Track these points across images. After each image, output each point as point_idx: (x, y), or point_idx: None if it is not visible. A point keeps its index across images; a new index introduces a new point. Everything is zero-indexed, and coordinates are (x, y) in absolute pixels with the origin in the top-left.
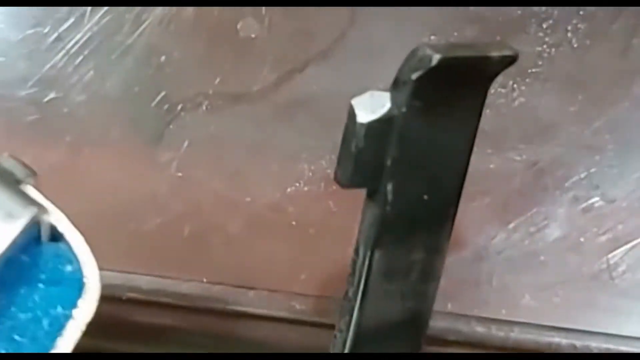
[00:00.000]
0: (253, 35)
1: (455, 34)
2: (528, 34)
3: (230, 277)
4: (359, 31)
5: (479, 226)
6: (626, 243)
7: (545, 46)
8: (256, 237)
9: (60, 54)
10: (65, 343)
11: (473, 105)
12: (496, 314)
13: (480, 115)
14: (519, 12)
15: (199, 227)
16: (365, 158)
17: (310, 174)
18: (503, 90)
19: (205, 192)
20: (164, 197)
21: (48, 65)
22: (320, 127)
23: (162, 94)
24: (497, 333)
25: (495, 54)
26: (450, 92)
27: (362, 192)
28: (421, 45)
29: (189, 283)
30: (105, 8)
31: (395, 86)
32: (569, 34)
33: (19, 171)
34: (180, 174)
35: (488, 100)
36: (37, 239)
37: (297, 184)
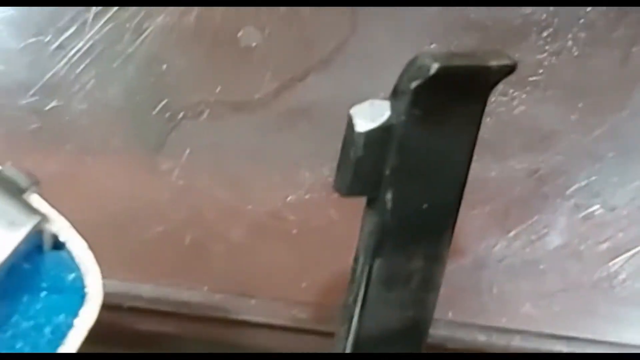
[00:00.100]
0: (254, 44)
1: (456, 42)
2: (528, 42)
3: (231, 285)
4: (360, 39)
5: (480, 234)
6: (626, 251)
7: (545, 54)
8: (257, 245)
9: (62, 63)
10: (67, 351)
11: (473, 114)
12: (497, 322)
13: (480, 124)
14: (520, 20)
15: (200, 235)
16: (364, 167)
17: (311, 182)
18: (503, 99)
19: (207, 200)
20: (165, 205)
21: (49, 74)
22: (321, 135)
23: (164, 102)
24: (498, 341)
25: (494, 63)
26: (450, 100)
27: (363, 200)
28: (420, 54)
29: (190, 291)
30: (107, 16)
31: (394, 95)
32: (570, 42)
33: (22, 180)
34: (181, 182)
35: (488, 109)
36: (39, 248)
37: (298, 192)
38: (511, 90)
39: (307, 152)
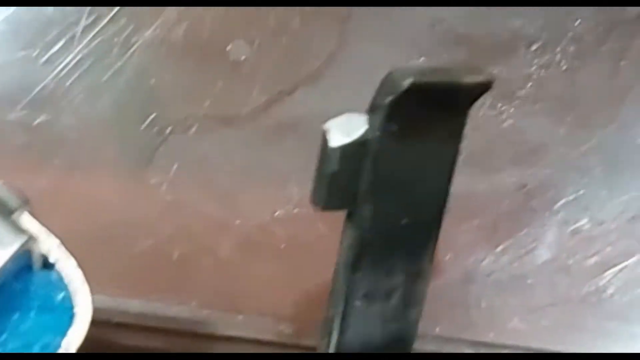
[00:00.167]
0: (242, 58)
1: (445, 56)
2: (517, 56)
3: (219, 300)
4: (348, 53)
5: (468, 248)
6: (614, 265)
7: (534, 68)
8: (245, 260)
9: (50, 77)
10: None
11: (452, 129)
12: (485, 337)
13: (461, 139)
14: (509, 34)
15: (188, 250)
16: (340, 181)
17: (300, 196)
18: (492, 112)
19: (195, 214)
20: (153, 220)
21: (38, 88)
22: (310, 149)
23: (152, 116)
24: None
25: (469, 80)
26: (427, 116)
27: None
28: (395, 70)
29: (178, 306)
30: (95, 30)
31: (371, 110)
32: (558, 56)
33: (12, 200)
34: (169, 197)
35: (477, 122)
36: (29, 267)
37: (287, 207)
38: (500, 104)
39: (296, 167)
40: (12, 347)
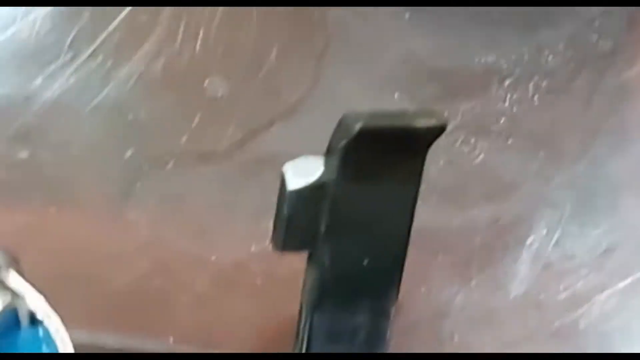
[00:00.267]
0: (219, 94)
1: (419, 91)
2: (490, 91)
3: (196, 336)
4: (324, 89)
5: (441, 283)
6: (587, 300)
7: (507, 103)
8: (222, 296)
9: (30, 113)
10: None
11: (410, 172)
12: None
13: (420, 180)
14: (482, 69)
15: (165, 285)
16: (298, 223)
17: None
18: (465, 148)
19: (172, 250)
20: (131, 256)
21: (16, 124)
22: None
23: (130, 152)
24: None
25: (420, 124)
26: (382, 159)
27: None
28: (347, 114)
29: (155, 343)
30: (75, 66)
31: (327, 152)
32: (531, 91)
33: None
34: (146, 232)
35: (450, 157)
36: (16, 324)
37: (263, 243)
38: (473, 139)
39: (272, 203)
40: None
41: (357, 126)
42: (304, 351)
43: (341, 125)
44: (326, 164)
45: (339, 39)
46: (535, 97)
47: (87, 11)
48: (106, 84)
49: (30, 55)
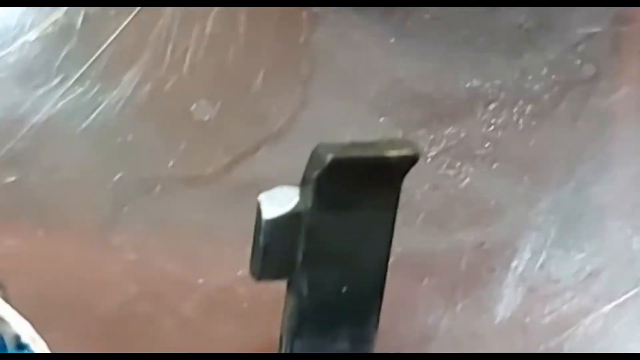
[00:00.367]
0: (206, 118)
1: (404, 115)
2: (475, 115)
3: None
4: (310, 113)
5: (427, 307)
6: (572, 324)
7: (492, 128)
8: (208, 320)
9: (17, 137)
10: None
11: (386, 201)
12: None
13: (396, 209)
14: (466, 94)
15: (152, 309)
16: (275, 252)
17: None
18: (451, 172)
19: (159, 274)
20: (117, 280)
21: (5, 149)
22: None
23: (118, 176)
24: None
25: (392, 154)
26: (356, 189)
27: None
28: (320, 145)
29: None
30: (62, 91)
31: (302, 182)
32: (515, 116)
33: None
34: (133, 257)
35: (435, 182)
36: (3, 348)
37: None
38: (458, 164)
39: None
40: None
41: (329, 157)
42: None
43: (314, 156)
44: (301, 194)
45: (325, 63)
46: (520, 122)
47: (75, 35)
48: (94, 108)
49: (18, 79)
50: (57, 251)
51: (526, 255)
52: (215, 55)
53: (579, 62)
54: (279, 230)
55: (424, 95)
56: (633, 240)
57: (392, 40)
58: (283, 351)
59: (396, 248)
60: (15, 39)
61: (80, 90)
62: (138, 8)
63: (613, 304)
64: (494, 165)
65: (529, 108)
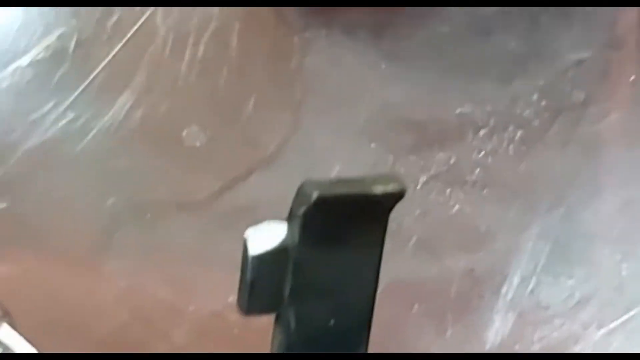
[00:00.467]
0: (197, 144)
1: (395, 141)
2: (465, 141)
3: None
4: (301, 139)
5: (417, 333)
6: (561, 350)
7: (482, 154)
8: (199, 346)
9: (10, 163)
10: None
11: (372, 235)
12: None
13: (382, 243)
14: (457, 120)
15: (143, 335)
16: (262, 287)
17: None
18: (441, 198)
19: (150, 300)
20: (109, 306)
21: None
22: None
23: (109, 201)
24: None
25: (378, 191)
26: (343, 225)
27: None
28: (306, 182)
29: None
30: (55, 116)
31: (289, 218)
32: (505, 142)
33: None
34: (125, 283)
35: (426, 208)
36: None
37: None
38: (448, 190)
39: None
40: None
41: (315, 194)
42: None
43: (300, 193)
44: (288, 229)
45: (316, 88)
46: (510, 147)
47: (67, 61)
48: (86, 134)
49: (11, 105)
50: (48, 278)
51: (516, 281)
52: (207, 80)
53: (569, 88)
54: (265, 265)
55: (415, 120)
56: (622, 267)
57: (383, 65)
58: None
59: (386, 275)
60: (7, 64)
61: (72, 115)
62: (130, 33)
63: (602, 330)
64: (484, 191)
65: (519, 134)
